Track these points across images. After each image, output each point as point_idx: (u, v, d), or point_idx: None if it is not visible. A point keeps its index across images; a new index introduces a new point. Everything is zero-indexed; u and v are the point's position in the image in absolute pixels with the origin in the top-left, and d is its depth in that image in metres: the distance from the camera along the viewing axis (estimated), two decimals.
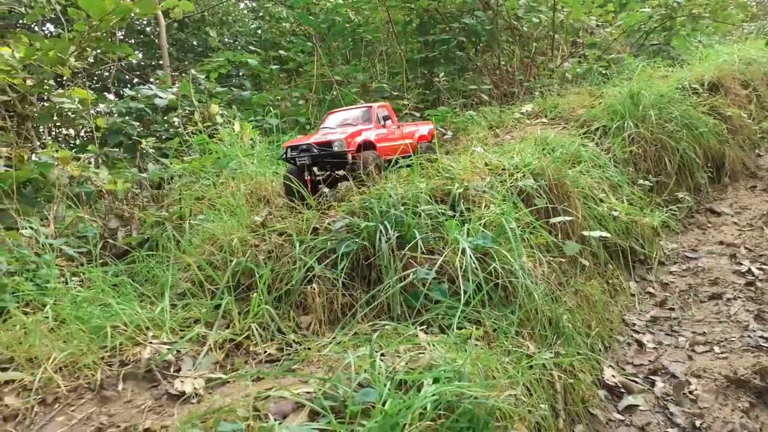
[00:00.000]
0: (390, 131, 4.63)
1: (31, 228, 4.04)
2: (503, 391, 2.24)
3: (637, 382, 3.47)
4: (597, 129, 5.98)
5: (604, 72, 8.74)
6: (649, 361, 3.69)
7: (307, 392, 2.14)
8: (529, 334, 3.12)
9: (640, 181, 5.58)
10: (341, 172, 4.14)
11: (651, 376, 3.52)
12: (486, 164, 4.40)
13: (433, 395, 1.96)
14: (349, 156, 4.05)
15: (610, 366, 3.60)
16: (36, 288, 3.40)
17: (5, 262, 3.46)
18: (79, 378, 2.54)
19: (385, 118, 4.66)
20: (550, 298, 3.47)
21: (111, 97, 8.06)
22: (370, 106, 4.69)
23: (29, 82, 5.95)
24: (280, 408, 2.04)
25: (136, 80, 12.79)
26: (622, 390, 3.39)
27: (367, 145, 4.27)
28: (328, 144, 4.07)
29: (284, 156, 4.27)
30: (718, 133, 6.50)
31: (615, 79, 7.71)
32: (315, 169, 4.22)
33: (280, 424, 1.90)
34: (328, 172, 4.21)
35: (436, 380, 2.10)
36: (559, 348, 3.26)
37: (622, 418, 3.21)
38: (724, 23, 10.34)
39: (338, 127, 4.53)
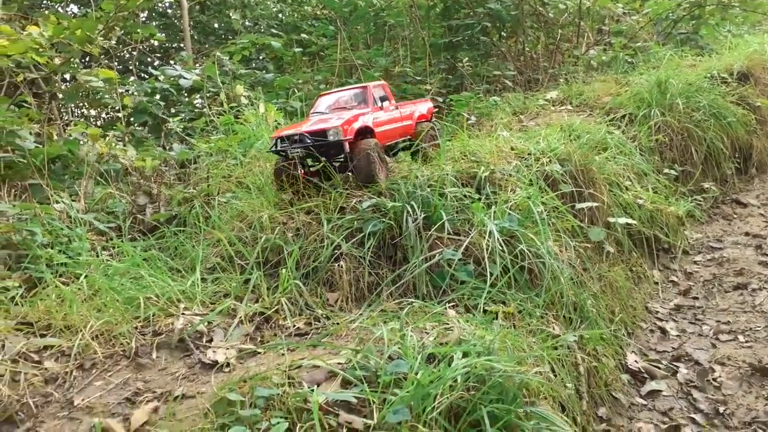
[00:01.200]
0: (388, 113, 4.21)
1: (63, 202, 4.13)
2: (531, 368, 2.26)
3: (660, 368, 3.47)
4: (623, 117, 5.93)
5: (630, 60, 8.63)
6: (673, 348, 3.69)
7: (339, 363, 2.18)
8: (554, 317, 3.14)
9: (666, 170, 5.52)
10: (338, 163, 3.74)
11: (674, 363, 3.52)
12: (512, 148, 4.39)
13: (464, 368, 1.99)
14: (346, 145, 3.64)
15: (633, 352, 3.60)
16: (69, 260, 3.48)
17: (40, 234, 3.54)
18: (114, 346, 2.61)
19: (383, 99, 4.22)
20: (575, 283, 3.48)
21: (130, 84, 8.13)
22: (366, 86, 4.25)
23: (57, 61, 6.03)
24: (313, 377, 2.09)
25: (157, 63, 12.87)
26: (645, 375, 3.40)
27: (365, 131, 3.83)
28: (322, 133, 3.65)
29: (273, 148, 3.83)
30: (747, 124, 6.40)
31: (641, 68, 7.61)
32: (309, 161, 3.75)
33: (313, 390, 1.94)
34: (322, 164, 3.74)
35: (465, 355, 2.12)
36: (583, 332, 3.27)
37: (644, 402, 3.22)
38: (754, 12, 10.12)
39: (332, 111, 4.14)
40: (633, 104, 6.10)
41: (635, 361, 3.48)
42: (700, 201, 5.56)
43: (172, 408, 2.11)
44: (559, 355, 2.83)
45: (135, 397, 2.28)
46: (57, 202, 4.14)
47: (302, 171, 3.78)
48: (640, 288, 4.30)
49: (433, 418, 1.89)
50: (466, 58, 8.55)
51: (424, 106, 4.85)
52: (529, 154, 4.32)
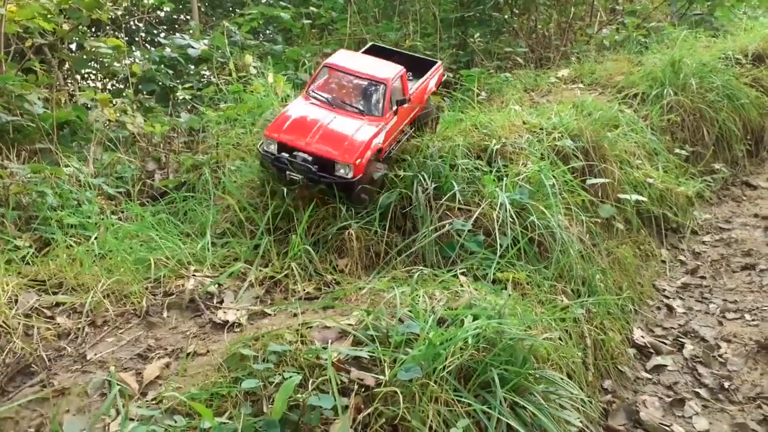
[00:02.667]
0: (401, 113, 3.50)
1: (73, 166, 4.12)
2: (541, 333, 2.27)
3: (666, 344, 3.49)
4: (635, 96, 5.87)
5: (643, 41, 8.53)
6: (679, 324, 3.70)
7: (350, 324, 2.19)
8: (562, 289, 3.14)
9: (677, 150, 5.48)
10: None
11: (680, 339, 3.53)
12: (524, 122, 4.36)
13: (475, 329, 1.99)
14: (356, 187, 3.15)
15: (639, 327, 3.61)
16: (79, 223, 3.49)
17: (51, 196, 3.55)
18: (125, 304, 2.63)
19: (400, 102, 3.41)
20: (584, 257, 3.48)
21: (138, 53, 8.08)
22: (386, 81, 3.38)
23: (65, 27, 5.98)
24: (325, 336, 2.10)
25: (163, 34, 12.78)
26: (651, 350, 3.41)
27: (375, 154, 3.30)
28: (328, 161, 3.09)
29: (267, 155, 3.21)
30: (760, 106, 6.33)
31: (654, 48, 7.52)
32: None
33: (326, 347, 1.96)
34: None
35: (475, 318, 2.13)
36: (591, 306, 3.28)
37: (650, 376, 3.24)
38: None
39: (339, 114, 3.33)
40: (646, 83, 6.03)
41: (641, 336, 3.49)
42: (710, 182, 5.52)
43: (184, 364, 2.13)
44: (566, 326, 2.85)
45: (147, 353, 2.30)
46: (67, 166, 4.14)
47: (302, 190, 3.23)
48: (648, 266, 4.30)
49: (443, 377, 1.90)
50: (477, 34, 8.47)
51: (433, 78, 4.07)
52: (540, 128, 4.29)
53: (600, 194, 4.15)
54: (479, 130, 4.08)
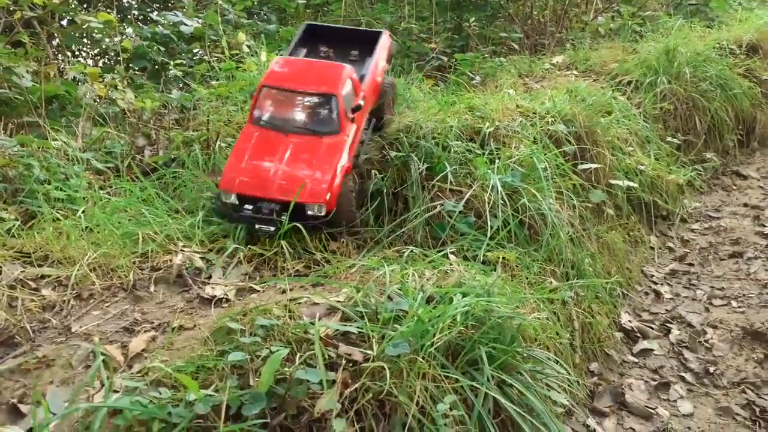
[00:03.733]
0: (359, 117, 3.18)
1: (61, 140, 4.06)
2: (529, 314, 2.27)
3: (652, 329, 3.51)
4: (629, 83, 5.87)
5: (638, 29, 8.51)
6: (666, 310, 3.72)
7: (339, 301, 2.18)
8: (551, 272, 3.15)
9: (669, 138, 5.49)
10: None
11: (667, 324, 3.56)
12: (517, 106, 4.34)
13: (464, 307, 1.99)
14: (330, 217, 2.85)
15: (626, 312, 3.64)
16: (66, 197, 3.45)
17: (38, 168, 3.50)
18: (112, 278, 2.60)
19: (355, 110, 3.08)
20: (573, 241, 3.49)
21: (129, 29, 7.97)
22: (335, 94, 2.99)
23: (55, 0, 5.88)
24: (313, 311, 2.09)
25: (155, 13, 12.60)
26: (638, 334, 3.44)
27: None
28: (297, 206, 2.77)
29: (227, 211, 2.90)
30: (752, 97, 6.35)
31: (649, 37, 7.50)
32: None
33: (313, 323, 1.95)
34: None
35: (464, 296, 2.12)
36: (579, 289, 3.29)
37: (636, 360, 3.26)
38: None
39: (295, 142, 2.95)
40: (640, 71, 6.02)
41: (629, 320, 3.51)
42: (700, 171, 5.55)
43: (171, 337, 2.11)
44: (554, 308, 2.86)
45: (133, 327, 2.28)
46: (55, 139, 4.08)
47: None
48: (637, 252, 4.32)
49: (431, 353, 1.89)
50: (473, 19, 8.41)
51: (383, 54, 3.60)
52: (534, 113, 4.27)
53: (592, 179, 4.15)
54: (473, 113, 4.06)
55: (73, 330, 2.24)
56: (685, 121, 5.80)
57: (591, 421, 2.71)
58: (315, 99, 3.07)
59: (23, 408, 1.81)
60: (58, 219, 3.03)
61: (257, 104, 3.12)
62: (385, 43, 3.69)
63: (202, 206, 3.26)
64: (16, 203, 3.39)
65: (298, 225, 2.79)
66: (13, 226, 3.05)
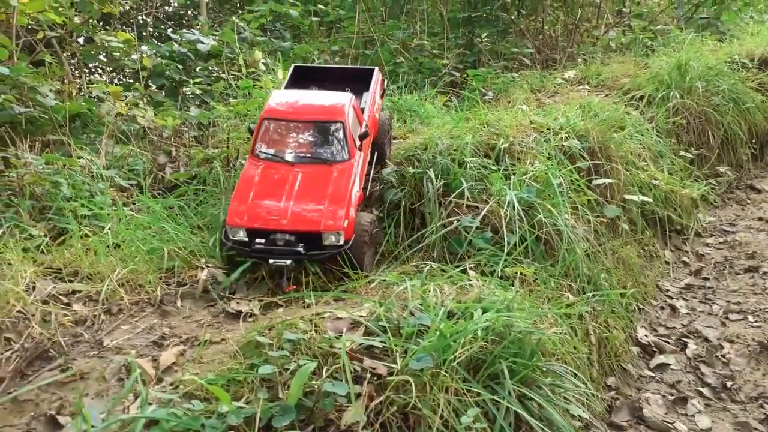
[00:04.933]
0: (365, 147, 3.20)
1: (85, 158, 4.17)
2: (548, 329, 2.31)
3: (669, 343, 3.53)
4: (641, 98, 5.91)
5: (649, 43, 8.57)
6: (682, 324, 3.74)
7: (361, 315, 2.24)
8: (568, 287, 3.18)
9: (682, 153, 5.52)
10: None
11: (683, 339, 3.57)
12: (531, 122, 4.40)
13: (485, 322, 2.04)
14: (343, 239, 2.71)
15: (643, 326, 3.66)
16: (92, 213, 3.55)
17: (66, 186, 3.60)
18: (140, 293, 2.68)
19: (362, 137, 3.09)
20: (589, 256, 3.52)
21: (144, 47, 8.14)
22: (340, 121, 2.97)
23: (77, 20, 6.04)
24: (337, 326, 2.15)
25: (170, 30, 12.86)
26: (654, 349, 3.46)
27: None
28: (313, 235, 2.67)
29: (238, 247, 2.73)
30: (766, 110, 6.37)
31: (661, 51, 7.56)
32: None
33: (338, 337, 2.00)
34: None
35: (484, 311, 2.17)
36: (596, 304, 3.32)
37: (653, 374, 3.28)
38: None
39: (304, 171, 2.89)
40: (652, 86, 6.07)
41: (645, 335, 3.53)
42: (714, 185, 5.56)
43: (201, 350, 2.18)
44: (572, 323, 2.89)
45: (161, 341, 2.35)
46: (80, 157, 4.19)
47: (286, 284, 2.67)
48: (652, 266, 4.34)
49: (453, 368, 1.94)
50: (485, 34, 8.50)
51: (377, 89, 3.66)
52: (548, 128, 4.33)
53: (606, 194, 4.19)
54: (487, 128, 4.13)
55: (104, 344, 2.32)
56: (698, 135, 5.83)
57: None
58: (321, 127, 3.00)
59: (61, 420, 1.88)
60: (86, 235, 3.12)
61: (259, 138, 3.04)
62: (377, 79, 3.70)
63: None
64: (45, 220, 3.50)
65: (314, 258, 2.68)
66: (43, 242, 3.14)
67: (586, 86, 6.66)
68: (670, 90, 5.86)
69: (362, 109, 3.36)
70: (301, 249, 2.63)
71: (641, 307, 3.84)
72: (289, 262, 2.64)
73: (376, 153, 3.47)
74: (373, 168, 3.42)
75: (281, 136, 3.05)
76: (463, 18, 8.61)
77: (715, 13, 9.66)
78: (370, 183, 3.32)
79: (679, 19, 10.06)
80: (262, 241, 2.67)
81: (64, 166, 3.93)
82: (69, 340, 2.34)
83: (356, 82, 3.65)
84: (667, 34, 8.78)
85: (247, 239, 2.71)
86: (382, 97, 3.79)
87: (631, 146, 4.85)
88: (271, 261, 2.65)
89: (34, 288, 2.56)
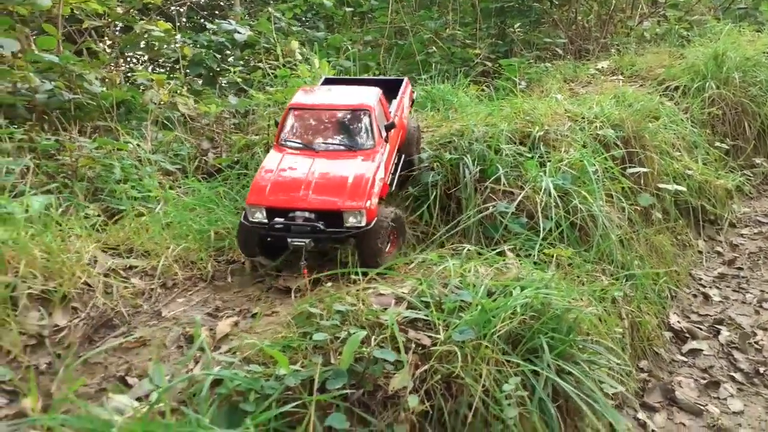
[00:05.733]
0: (392, 140, 3.17)
1: (135, 144, 4.36)
2: (585, 307, 2.39)
3: (701, 329, 3.57)
4: (676, 88, 5.89)
5: (685, 34, 8.47)
6: (715, 312, 3.77)
7: (403, 292, 2.34)
8: (602, 271, 3.25)
9: (717, 143, 5.50)
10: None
11: (716, 326, 3.61)
12: (565, 111, 4.45)
13: (525, 298, 2.13)
14: (373, 237, 2.65)
15: (675, 313, 3.70)
16: (141, 195, 3.72)
17: (119, 169, 3.78)
18: (192, 269, 2.83)
19: (388, 128, 3.06)
20: (623, 243, 3.58)
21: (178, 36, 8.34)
22: (368, 107, 2.99)
23: (119, 10, 6.23)
24: (381, 301, 2.26)
25: (202, 20, 13.08)
26: (687, 335, 3.50)
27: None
28: (334, 213, 2.62)
29: (256, 227, 2.67)
30: None
31: (697, 42, 7.47)
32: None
33: (385, 310, 2.12)
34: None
35: (522, 290, 2.26)
36: (629, 289, 3.38)
37: (685, 359, 3.33)
38: None
39: (327, 157, 2.88)
40: (687, 76, 6.04)
41: (677, 321, 3.58)
42: (750, 176, 5.53)
43: (256, 322, 2.31)
44: (605, 306, 2.96)
45: (216, 313, 2.49)
46: (127, 142, 4.38)
47: (304, 267, 2.59)
48: (685, 255, 4.36)
49: (494, 341, 2.04)
50: (517, 25, 8.50)
51: (406, 96, 3.68)
52: (582, 117, 4.37)
53: (641, 183, 4.22)
54: (521, 117, 4.19)
55: (163, 314, 2.47)
56: (733, 126, 5.79)
57: (641, 415, 2.80)
58: (348, 115, 3.01)
59: (129, 380, 2.04)
60: (139, 215, 3.29)
61: (284, 128, 3.07)
62: (406, 88, 3.72)
63: None
64: (98, 201, 3.68)
65: (334, 237, 2.63)
66: (97, 222, 3.32)
67: (620, 76, 6.65)
68: (705, 81, 5.83)
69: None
70: (321, 225, 2.58)
71: (674, 294, 3.88)
72: (307, 241, 2.59)
73: (403, 156, 3.45)
74: (398, 171, 3.36)
75: (306, 125, 3.06)
76: (495, 8, 8.62)
77: (753, 4, 9.48)
78: (395, 181, 3.28)
79: (716, 9, 9.90)
80: (281, 220, 2.63)
81: (113, 150, 4.11)
82: (130, 310, 2.50)
83: (386, 92, 3.55)
84: (703, 24, 8.67)
85: (266, 220, 2.66)
86: (410, 106, 3.79)
87: (666, 136, 4.86)
88: (289, 240, 2.60)
89: (95, 262, 2.73)
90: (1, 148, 3.79)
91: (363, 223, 2.62)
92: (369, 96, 3.11)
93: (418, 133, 3.66)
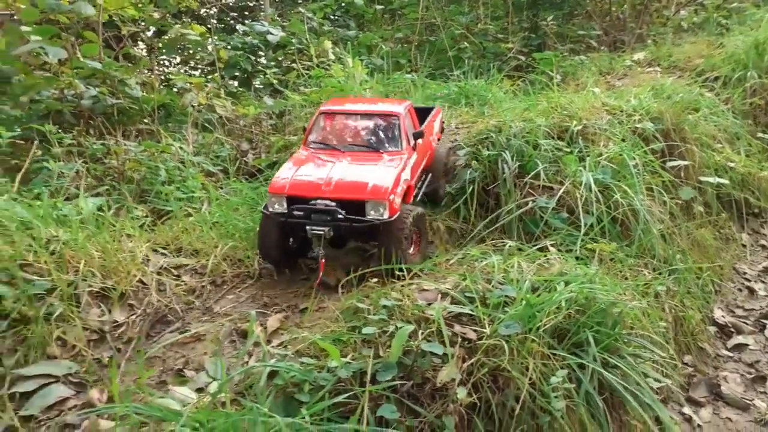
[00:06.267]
0: (419, 151, 3.15)
1: (177, 146, 4.49)
2: (630, 301, 2.40)
3: (747, 324, 3.52)
4: (716, 79, 5.78)
5: (723, 22, 8.27)
6: (761, 306, 3.71)
7: (447, 287, 2.38)
8: (644, 266, 3.23)
9: (760, 134, 5.38)
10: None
11: (762, 320, 3.55)
12: (603, 104, 4.41)
13: (570, 293, 2.15)
14: (397, 232, 2.63)
15: (719, 307, 3.65)
16: (186, 196, 3.84)
17: (164, 171, 3.90)
18: (240, 267, 2.92)
19: (417, 136, 3.09)
20: (664, 237, 3.54)
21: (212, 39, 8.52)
22: (397, 114, 3.05)
23: (156, 15, 6.40)
24: (425, 296, 2.30)
25: (231, 22, 13.28)
26: (732, 329, 3.46)
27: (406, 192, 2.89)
28: (357, 204, 2.60)
29: (276, 217, 2.66)
30: None
31: (736, 30, 7.30)
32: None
33: (430, 305, 2.16)
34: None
35: (566, 284, 2.28)
36: (671, 284, 3.35)
37: (730, 354, 3.29)
38: None
39: (352, 155, 2.91)
40: (727, 66, 5.91)
41: (722, 315, 3.54)
42: None
43: (307, 316, 2.39)
44: (648, 301, 2.94)
45: (264, 309, 2.58)
46: (169, 144, 4.51)
47: (322, 258, 2.60)
48: (728, 249, 4.29)
49: (539, 335, 2.07)
50: (550, 17, 8.42)
51: (437, 121, 3.71)
52: (620, 110, 4.33)
53: (681, 176, 4.17)
54: (559, 111, 4.17)
55: (214, 310, 2.57)
56: None
57: (687, 410, 2.79)
58: (376, 120, 3.07)
59: (187, 373, 2.13)
60: (188, 215, 3.40)
61: (313, 130, 3.13)
62: (437, 114, 3.73)
63: None
64: (144, 202, 3.81)
65: (356, 231, 2.60)
66: (145, 222, 3.45)
67: (657, 68, 6.54)
68: (747, 70, 5.70)
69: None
70: (341, 214, 2.54)
71: (717, 288, 3.83)
72: (326, 229, 2.56)
73: (430, 175, 3.42)
74: (423, 188, 3.35)
75: (335, 129, 3.12)
76: (527, 1, 8.56)
77: None
78: (419, 194, 3.26)
79: None
80: (302, 206, 2.61)
81: (156, 152, 4.24)
82: (183, 307, 2.60)
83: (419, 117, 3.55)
84: (743, 12, 8.45)
85: (286, 210, 2.65)
86: (441, 131, 3.79)
87: (707, 128, 4.78)
88: (308, 227, 2.57)
89: (148, 261, 2.84)
90: (53, 153, 3.95)
91: (385, 216, 2.59)
92: (398, 105, 3.21)
93: (448, 161, 3.57)
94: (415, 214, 2.74)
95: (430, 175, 3.43)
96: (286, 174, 2.79)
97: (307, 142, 3.13)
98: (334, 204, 2.58)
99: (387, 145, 2.99)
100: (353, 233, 2.69)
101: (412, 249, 2.80)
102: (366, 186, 2.64)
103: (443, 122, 3.94)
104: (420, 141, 3.12)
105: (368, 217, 2.59)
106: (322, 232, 2.56)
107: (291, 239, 2.80)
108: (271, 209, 2.70)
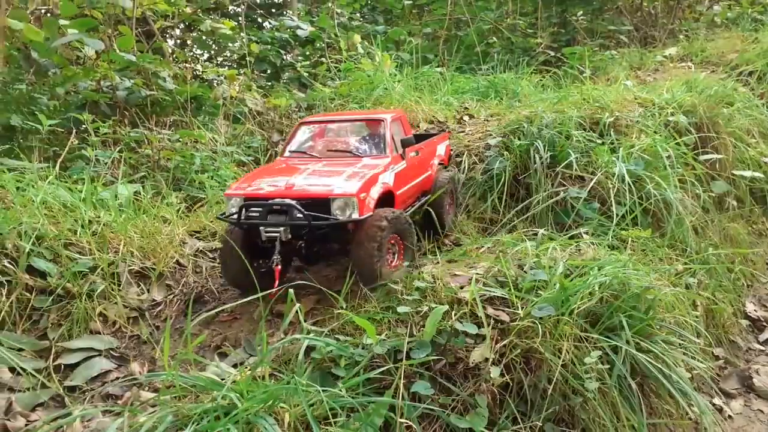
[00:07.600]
0: (411, 164, 2.91)
1: (210, 137, 4.58)
2: (662, 288, 2.39)
3: None
4: (750, 74, 5.68)
5: (758, 17, 8.11)
6: None
7: (478, 273, 2.40)
8: (676, 257, 3.20)
9: None
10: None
11: None
12: (635, 97, 4.38)
13: (603, 277, 2.16)
14: (364, 230, 2.36)
15: (751, 302, 3.60)
16: (218, 185, 3.91)
17: (199, 160, 3.99)
18: None
19: (405, 143, 2.84)
20: (696, 230, 3.51)
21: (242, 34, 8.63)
22: (381, 120, 2.87)
23: (188, 10, 6.52)
24: (458, 280, 2.33)
25: (258, 18, 13.43)
26: (764, 323, 3.41)
27: (386, 198, 2.62)
28: (321, 201, 2.34)
29: (235, 217, 2.38)
30: None
31: None
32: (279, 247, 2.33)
33: (462, 287, 2.19)
34: (308, 249, 2.53)
35: (600, 269, 2.28)
36: (702, 277, 3.31)
37: (762, 348, 3.25)
38: None
39: (328, 157, 2.78)
40: (762, 61, 5.81)
41: (754, 309, 3.49)
42: None
43: (346, 289, 2.42)
44: (680, 293, 2.92)
45: (298, 291, 2.62)
46: (204, 135, 4.60)
47: (277, 265, 2.34)
48: (761, 243, 4.22)
49: (573, 318, 2.08)
50: (580, 12, 8.36)
51: (442, 146, 3.51)
52: (653, 104, 4.30)
53: (714, 169, 4.12)
54: (591, 103, 4.15)
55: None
56: None
57: (717, 400, 2.77)
58: (361, 126, 2.92)
59: (225, 349, 2.19)
60: (218, 203, 3.47)
61: (292, 140, 2.97)
62: (443, 138, 3.57)
63: None
64: (179, 189, 3.90)
65: (317, 224, 2.30)
66: (179, 208, 3.53)
67: (689, 63, 6.45)
68: None
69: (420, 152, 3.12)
70: (300, 212, 2.25)
71: (750, 282, 3.77)
72: (282, 229, 2.27)
73: (427, 198, 3.11)
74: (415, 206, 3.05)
75: (315, 137, 2.98)
76: None
77: None
78: (411, 208, 2.96)
79: None
80: (258, 208, 2.36)
81: (190, 142, 4.33)
82: (218, 287, 2.67)
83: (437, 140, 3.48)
84: None
85: (240, 211, 2.38)
86: (446, 160, 3.58)
87: (741, 122, 4.70)
88: (262, 229, 2.30)
89: (184, 244, 2.92)
90: (91, 141, 4.06)
91: (354, 216, 2.31)
92: (387, 111, 3.16)
93: (453, 188, 3.33)
94: (393, 217, 2.42)
95: (427, 197, 3.10)
96: (248, 177, 2.61)
97: (285, 152, 2.95)
98: (294, 201, 2.30)
99: (370, 150, 2.81)
100: (319, 239, 2.41)
101: (392, 259, 2.50)
102: (333, 184, 2.39)
103: (451, 149, 3.73)
104: (413, 154, 2.92)
105: (334, 213, 2.31)
106: (276, 234, 2.27)
107: (261, 260, 2.52)
108: (226, 211, 2.46)
